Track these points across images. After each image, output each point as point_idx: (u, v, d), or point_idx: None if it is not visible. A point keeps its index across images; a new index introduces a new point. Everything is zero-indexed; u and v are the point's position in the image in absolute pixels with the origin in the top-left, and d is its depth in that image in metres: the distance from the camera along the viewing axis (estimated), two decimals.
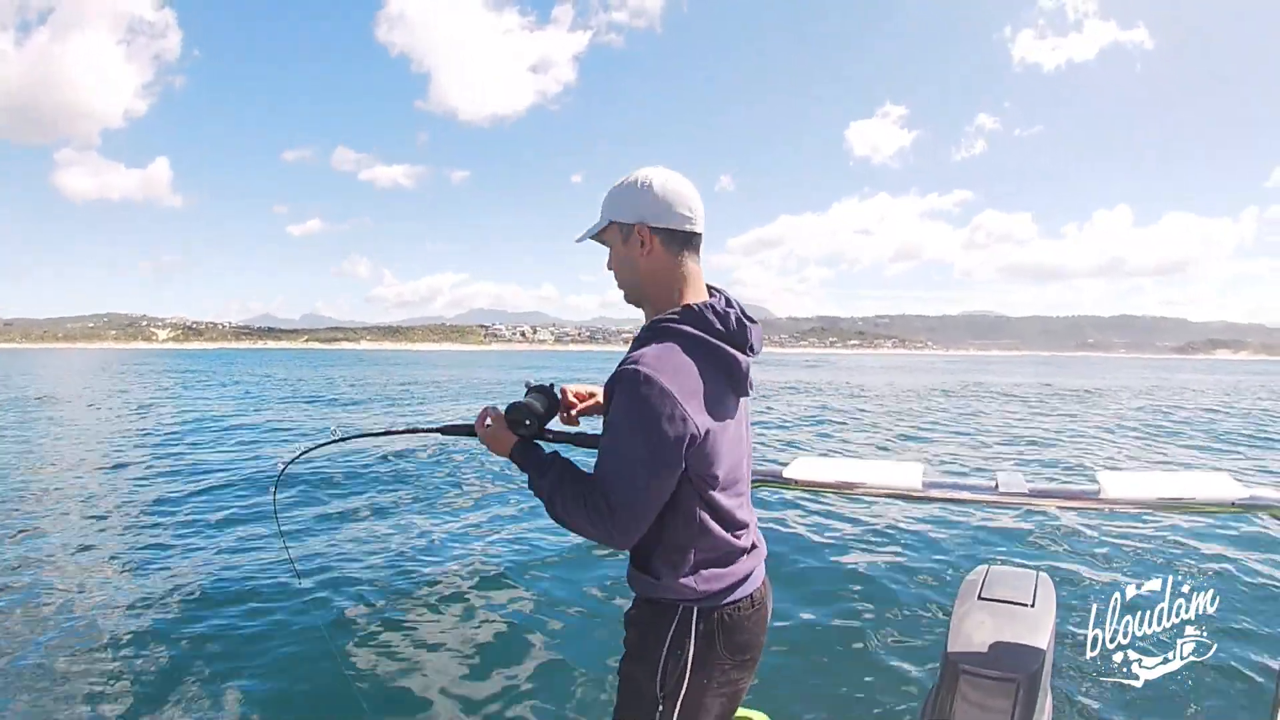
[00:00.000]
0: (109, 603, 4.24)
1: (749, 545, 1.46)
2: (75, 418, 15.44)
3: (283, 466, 2.19)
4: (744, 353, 1.37)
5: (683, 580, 1.36)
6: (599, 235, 1.46)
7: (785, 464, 2.01)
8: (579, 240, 1.46)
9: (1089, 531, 5.67)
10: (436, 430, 1.75)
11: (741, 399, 1.43)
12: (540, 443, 1.53)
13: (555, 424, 1.62)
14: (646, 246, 1.37)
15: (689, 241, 1.38)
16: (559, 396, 1.61)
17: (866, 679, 3.39)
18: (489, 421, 1.52)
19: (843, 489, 1.96)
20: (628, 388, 1.26)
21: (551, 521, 1.40)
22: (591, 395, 1.67)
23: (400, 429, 1.94)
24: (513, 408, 1.51)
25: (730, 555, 1.41)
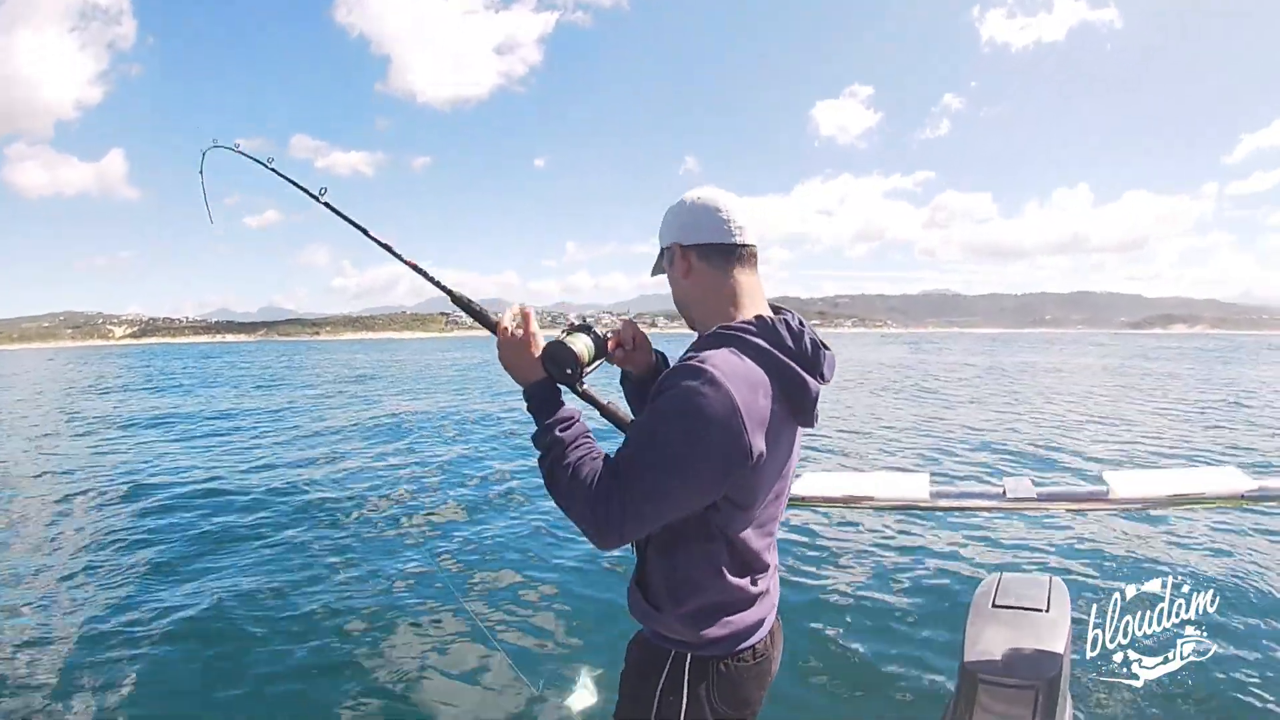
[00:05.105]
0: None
1: (763, 590, 1.33)
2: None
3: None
4: (815, 378, 1.21)
5: (681, 619, 1.25)
6: (661, 269, 1.37)
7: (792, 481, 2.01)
8: (653, 276, 1.40)
9: (1101, 533, 5.62)
10: (460, 303, 1.43)
11: (799, 432, 1.29)
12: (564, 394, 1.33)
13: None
14: (683, 265, 1.30)
15: (734, 255, 1.28)
16: (605, 346, 1.40)
17: (883, 693, 3.36)
18: (515, 331, 1.31)
19: (851, 503, 1.96)
20: (688, 381, 1.10)
21: (550, 509, 1.25)
22: (642, 344, 1.47)
23: (428, 274, 1.48)
24: (557, 345, 1.30)
25: (740, 603, 1.28)
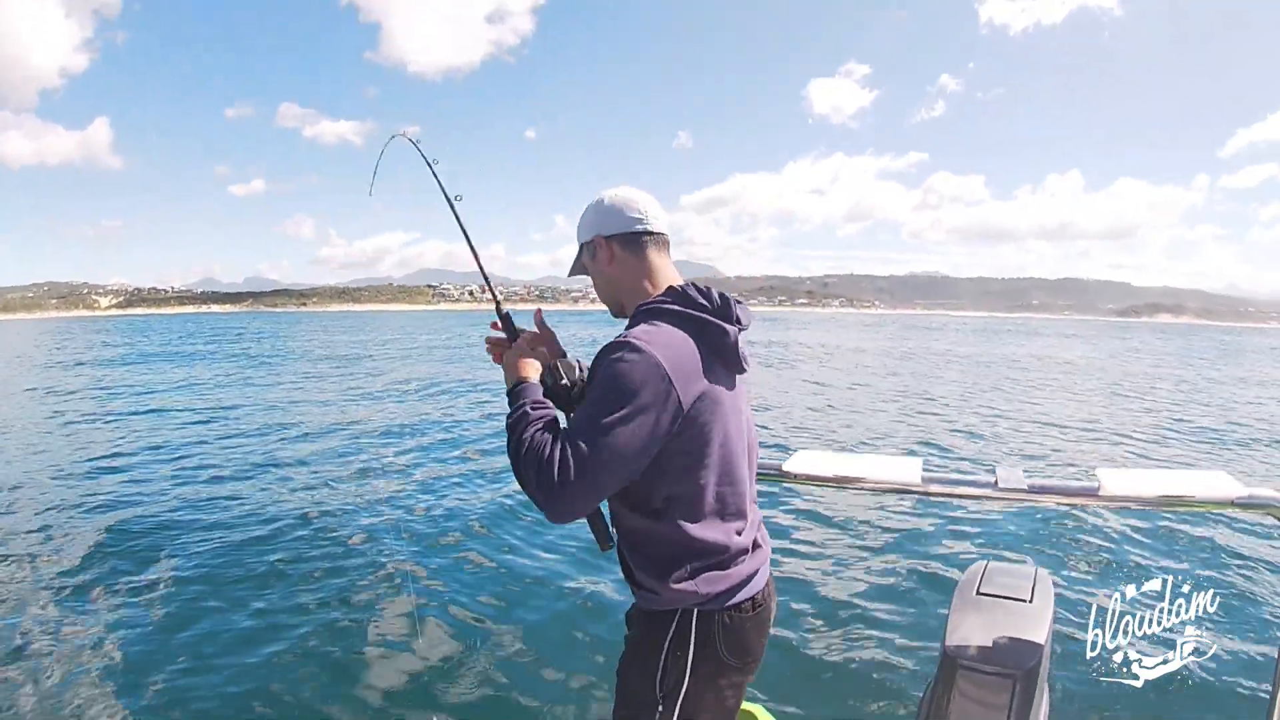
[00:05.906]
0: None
1: (749, 543, 1.41)
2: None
3: None
4: (731, 324, 1.36)
5: (677, 588, 1.33)
6: (581, 266, 1.52)
7: (785, 458, 2.00)
8: (571, 275, 1.55)
9: (1088, 528, 5.67)
10: (499, 313, 1.64)
11: (739, 379, 1.41)
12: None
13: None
14: (606, 255, 1.45)
15: (648, 240, 1.44)
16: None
17: (865, 674, 3.40)
18: (524, 344, 1.52)
19: (842, 484, 1.95)
20: (614, 355, 1.24)
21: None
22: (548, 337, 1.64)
23: (489, 293, 1.81)
24: (564, 360, 1.52)
25: (729, 556, 1.36)
